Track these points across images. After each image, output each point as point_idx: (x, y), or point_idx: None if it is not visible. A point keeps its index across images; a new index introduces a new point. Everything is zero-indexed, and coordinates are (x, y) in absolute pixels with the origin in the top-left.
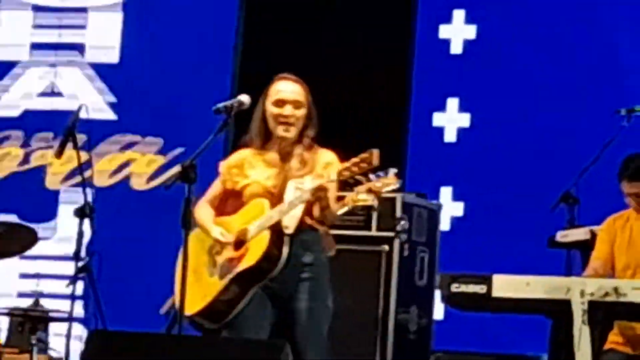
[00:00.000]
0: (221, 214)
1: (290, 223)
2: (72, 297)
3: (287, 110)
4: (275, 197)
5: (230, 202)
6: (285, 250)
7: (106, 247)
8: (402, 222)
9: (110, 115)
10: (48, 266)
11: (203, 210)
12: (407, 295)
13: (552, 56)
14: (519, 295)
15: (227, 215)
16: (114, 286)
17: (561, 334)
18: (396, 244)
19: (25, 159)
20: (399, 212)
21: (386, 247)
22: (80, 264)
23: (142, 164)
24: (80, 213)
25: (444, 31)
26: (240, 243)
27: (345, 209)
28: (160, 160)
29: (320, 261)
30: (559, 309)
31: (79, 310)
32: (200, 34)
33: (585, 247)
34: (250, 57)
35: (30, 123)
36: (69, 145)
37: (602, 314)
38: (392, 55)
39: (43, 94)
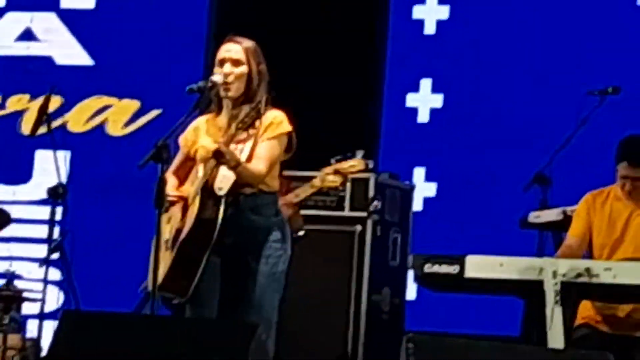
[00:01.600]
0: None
1: (223, 185)
2: (45, 278)
3: (226, 68)
4: None
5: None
6: (220, 212)
7: (81, 221)
8: (375, 203)
9: (87, 60)
10: (21, 248)
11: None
12: (379, 275)
13: (524, 36)
14: (491, 275)
15: None
16: (89, 265)
17: (534, 314)
18: (369, 224)
19: (2, 105)
20: (371, 193)
21: (359, 228)
22: (52, 244)
23: (119, 108)
24: (52, 193)
25: (417, 11)
26: (185, 211)
27: (312, 190)
28: (136, 105)
29: (271, 223)
30: (532, 290)
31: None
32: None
33: (558, 228)
34: (224, 21)
35: (6, 70)
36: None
37: (575, 295)
38: (366, 36)
39: (19, 39)
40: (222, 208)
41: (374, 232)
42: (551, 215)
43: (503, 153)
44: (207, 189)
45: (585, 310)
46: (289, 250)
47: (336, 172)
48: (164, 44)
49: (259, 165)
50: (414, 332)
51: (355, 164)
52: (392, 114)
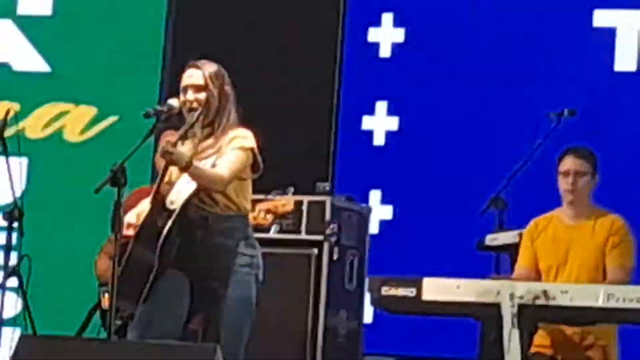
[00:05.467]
0: None
1: (176, 198)
2: (1, 303)
3: (189, 95)
4: None
5: None
6: (168, 224)
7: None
8: (332, 226)
9: (44, 67)
10: None
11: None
12: (336, 298)
13: (480, 59)
14: (448, 298)
15: None
16: (45, 288)
17: (491, 336)
18: (325, 247)
19: None
20: (328, 216)
21: (315, 251)
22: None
23: (76, 115)
24: (8, 217)
25: (373, 34)
26: None
27: None
28: (93, 111)
29: (239, 247)
30: (489, 312)
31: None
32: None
33: (514, 250)
34: (182, 34)
35: None
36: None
37: (532, 318)
38: (321, 58)
39: None
40: (169, 222)
41: (331, 255)
42: (508, 237)
43: (459, 175)
44: (157, 200)
45: (538, 337)
46: (260, 274)
47: (268, 211)
48: (121, 50)
49: (219, 170)
50: (372, 355)
51: (285, 203)
52: (347, 136)
